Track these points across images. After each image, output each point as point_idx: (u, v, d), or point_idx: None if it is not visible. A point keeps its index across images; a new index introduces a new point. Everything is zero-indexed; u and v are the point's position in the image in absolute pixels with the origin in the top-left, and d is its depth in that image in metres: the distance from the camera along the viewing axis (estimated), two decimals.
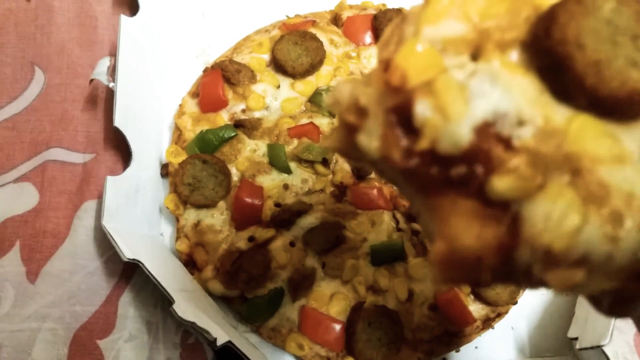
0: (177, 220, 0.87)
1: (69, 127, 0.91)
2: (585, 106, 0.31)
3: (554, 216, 0.29)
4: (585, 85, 0.30)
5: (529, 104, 0.30)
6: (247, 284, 0.80)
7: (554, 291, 0.30)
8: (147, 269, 0.73)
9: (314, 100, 0.91)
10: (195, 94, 0.93)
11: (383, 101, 0.31)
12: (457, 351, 0.86)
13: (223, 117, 0.90)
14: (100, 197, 0.84)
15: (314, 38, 0.92)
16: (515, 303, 0.85)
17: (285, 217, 0.84)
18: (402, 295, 0.82)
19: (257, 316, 0.82)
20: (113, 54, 0.89)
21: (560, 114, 0.31)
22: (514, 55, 0.32)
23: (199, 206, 0.85)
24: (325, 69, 0.93)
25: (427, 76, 0.30)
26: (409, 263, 0.84)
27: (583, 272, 0.30)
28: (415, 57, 0.30)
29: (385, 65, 0.31)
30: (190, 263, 0.86)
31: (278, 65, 0.92)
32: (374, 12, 0.98)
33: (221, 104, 0.90)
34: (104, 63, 0.87)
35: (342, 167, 0.87)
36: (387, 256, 0.84)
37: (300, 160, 0.87)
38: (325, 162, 0.87)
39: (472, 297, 0.84)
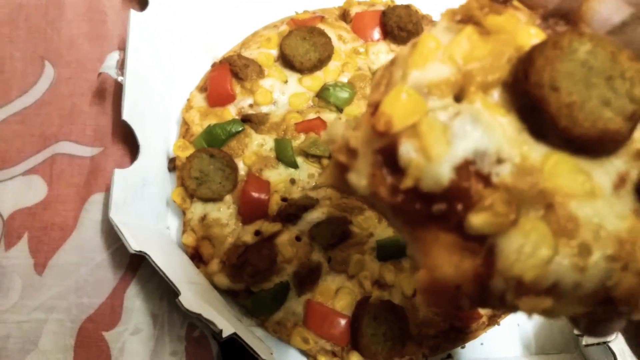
0: (184, 213, 0.87)
1: (77, 120, 0.92)
2: (560, 144, 0.32)
3: (526, 249, 0.30)
4: (559, 126, 0.31)
5: (508, 143, 0.32)
6: (253, 278, 0.80)
7: (526, 315, 0.31)
8: (153, 261, 0.73)
9: (322, 95, 0.91)
10: (203, 88, 0.93)
11: (371, 143, 0.33)
12: (463, 347, 0.86)
13: (230, 112, 0.90)
14: (107, 190, 0.84)
15: (322, 34, 0.92)
16: None
17: (291, 211, 0.84)
18: (408, 290, 0.82)
19: (263, 310, 0.82)
20: (122, 48, 0.90)
21: (537, 151, 0.32)
22: (496, 94, 0.34)
23: (205, 200, 0.85)
24: (333, 65, 0.93)
25: (411, 121, 0.32)
26: None
27: (551, 300, 0.32)
28: (400, 104, 0.32)
29: (374, 109, 0.33)
30: (196, 256, 0.86)
31: (286, 61, 0.92)
32: (382, 8, 0.98)
33: (229, 99, 0.90)
34: (113, 57, 0.88)
35: None
36: (393, 251, 0.84)
37: (307, 155, 0.87)
38: (332, 157, 0.87)
39: None
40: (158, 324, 0.83)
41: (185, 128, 0.91)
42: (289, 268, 0.83)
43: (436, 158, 0.31)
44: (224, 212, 0.85)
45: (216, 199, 0.85)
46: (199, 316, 0.70)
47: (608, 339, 0.71)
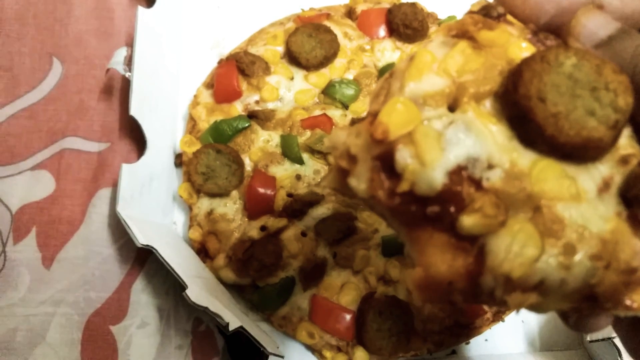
0: (190, 209, 0.88)
1: (85, 116, 0.93)
2: (547, 151, 0.34)
3: (513, 248, 0.33)
4: (546, 135, 0.33)
5: (498, 149, 0.34)
6: (259, 272, 0.81)
7: (515, 310, 0.33)
8: (160, 255, 0.74)
9: (327, 92, 0.91)
10: (209, 84, 0.94)
11: (369, 150, 0.35)
12: (467, 343, 0.86)
13: (237, 108, 0.91)
14: (114, 186, 0.85)
15: (328, 31, 0.93)
16: None
17: (297, 207, 0.84)
18: None
19: (268, 304, 0.83)
20: (129, 45, 0.90)
21: (525, 158, 0.34)
22: (488, 104, 0.36)
23: (212, 195, 0.86)
24: (339, 62, 0.94)
25: (406, 130, 0.34)
26: None
27: (536, 295, 0.34)
28: (396, 114, 0.34)
29: (373, 118, 0.35)
30: (202, 251, 0.86)
31: (292, 57, 0.93)
32: (388, 5, 0.98)
33: (235, 95, 0.91)
34: (121, 53, 0.88)
35: None
36: (398, 247, 0.84)
37: (312, 151, 0.88)
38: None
39: None
40: (164, 318, 0.84)
41: (191, 124, 0.91)
42: (295, 263, 0.83)
43: (430, 164, 0.33)
44: (230, 208, 0.86)
45: (222, 194, 0.86)
46: (205, 309, 0.71)
47: (613, 334, 0.71)
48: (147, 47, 0.88)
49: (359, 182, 0.36)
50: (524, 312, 0.87)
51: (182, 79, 0.97)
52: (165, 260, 0.74)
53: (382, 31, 0.97)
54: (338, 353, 0.82)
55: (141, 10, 0.88)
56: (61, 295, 0.83)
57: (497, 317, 0.85)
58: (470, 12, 0.40)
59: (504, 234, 0.33)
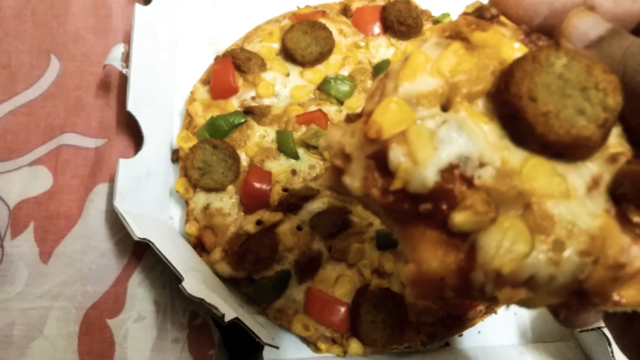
0: (187, 203, 0.88)
1: (82, 113, 0.93)
2: (538, 150, 0.35)
3: (504, 245, 0.33)
4: (536, 133, 0.34)
5: (489, 148, 0.35)
6: (255, 266, 0.82)
7: (505, 306, 0.35)
8: (157, 249, 0.75)
9: (323, 88, 0.92)
10: (206, 81, 0.94)
11: (363, 149, 0.36)
12: (460, 335, 0.87)
13: (233, 104, 0.92)
14: (111, 181, 0.86)
15: (324, 28, 0.94)
16: None
17: (292, 201, 0.85)
18: None
19: (264, 297, 0.84)
20: (126, 42, 0.91)
21: (516, 156, 0.35)
22: (481, 104, 0.36)
23: (208, 190, 0.87)
24: (334, 58, 0.95)
25: (399, 129, 0.35)
26: None
27: (526, 291, 0.34)
28: (389, 114, 0.35)
29: (367, 117, 0.36)
30: (199, 245, 0.87)
31: (288, 54, 0.94)
32: (382, 3, 1.00)
33: (231, 91, 0.92)
34: (119, 49, 0.89)
35: None
36: (392, 240, 0.85)
37: (308, 146, 0.89)
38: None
39: None
40: (161, 312, 0.84)
41: (188, 120, 0.92)
42: (290, 257, 0.84)
43: (422, 162, 0.34)
44: (226, 202, 0.87)
45: (219, 189, 0.87)
46: (201, 301, 0.71)
47: (602, 323, 0.72)
48: (144, 44, 0.89)
49: (353, 181, 0.36)
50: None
51: (179, 76, 0.99)
52: (162, 254, 0.75)
53: (376, 28, 0.99)
54: (333, 345, 0.83)
55: (138, 7, 0.89)
56: (58, 289, 0.83)
57: (490, 309, 0.86)
58: (464, 14, 0.41)
59: (494, 230, 0.33)
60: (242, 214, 0.87)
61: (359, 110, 0.92)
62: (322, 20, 0.96)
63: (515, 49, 0.38)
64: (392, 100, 0.36)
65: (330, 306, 0.82)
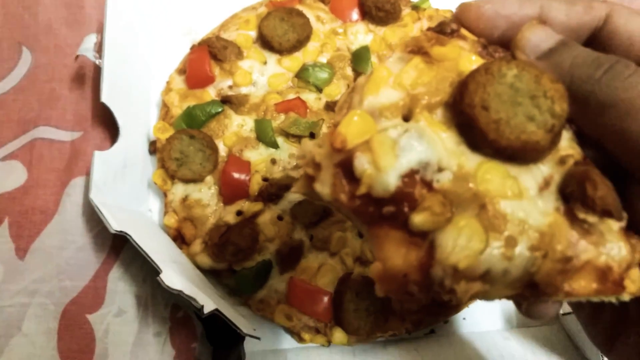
0: (165, 195, 0.87)
1: (57, 105, 0.92)
2: (492, 154, 0.38)
3: (460, 242, 0.36)
4: (488, 139, 0.37)
5: (447, 154, 0.38)
6: (235, 257, 0.81)
7: (461, 298, 0.37)
8: (134, 241, 0.73)
9: (301, 76, 0.91)
10: (182, 70, 0.93)
11: (331, 158, 0.38)
12: (446, 322, 0.87)
13: (210, 93, 0.90)
14: (88, 174, 0.84)
15: (301, 14, 0.93)
16: None
17: (273, 191, 0.84)
18: None
19: (246, 288, 0.83)
20: (100, 33, 0.89)
21: (472, 161, 0.38)
22: (440, 113, 0.39)
23: (186, 181, 0.86)
24: (312, 45, 0.94)
25: (363, 139, 0.37)
26: None
27: (481, 284, 0.37)
28: (352, 126, 0.38)
29: (334, 129, 0.39)
30: (178, 238, 0.86)
31: (265, 42, 0.92)
32: None
33: (208, 80, 0.90)
34: (91, 39, 0.87)
35: None
36: None
37: (287, 135, 0.88)
38: (312, 137, 0.87)
39: None
40: (142, 306, 0.83)
41: (165, 110, 0.91)
42: (271, 247, 0.83)
43: (384, 169, 0.36)
44: (205, 193, 0.85)
45: (197, 179, 0.86)
46: (180, 292, 0.70)
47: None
48: (117, 33, 0.87)
49: (323, 187, 0.39)
50: None
51: (155, 66, 0.97)
52: (139, 246, 0.73)
53: (354, 14, 0.97)
54: (316, 335, 0.82)
55: None
56: (36, 286, 0.82)
57: None
58: (427, 29, 0.44)
59: (450, 229, 0.36)
60: (222, 204, 0.85)
61: (337, 97, 0.91)
62: (299, 7, 0.95)
63: (472, 61, 0.41)
64: (356, 113, 0.38)
65: (313, 296, 0.81)
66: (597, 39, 0.44)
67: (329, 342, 0.82)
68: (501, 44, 0.43)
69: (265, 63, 0.92)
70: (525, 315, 0.48)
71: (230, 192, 0.85)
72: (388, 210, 0.37)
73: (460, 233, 0.36)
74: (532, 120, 0.37)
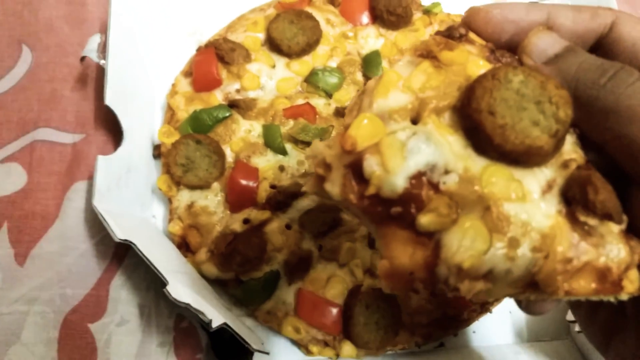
0: (170, 201, 0.85)
1: (58, 106, 0.89)
2: (497, 158, 0.39)
3: (464, 243, 0.37)
4: (494, 143, 0.38)
5: (454, 157, 0.39)
6: (242, 267, 0.79)
7: (465, 295, 0.39)
8: (139, 250, 0.71)
9: (310, 80, 0.89)
10: (188, 73, 0.90)
11: (342, 159, 0.40)
12: (455, 335, 0.86)
13: (217, 97, 0.88)
14: (90, 178, 0.82)
15: (310, 17, 0.90)
16: None
17: (281, 199, 0.82)
18: None
19: (253, 299, 0.81)
20: (103, 32, 0.86)
21: (478, 164, 0.39)
22: (447, 117, 0.40)
23: (192, 187, 0.84)
24: (322, 49, 0.91)
25: (372, 142, 0.39)
26: None
27: (484, 283, 0.38)
28: (362, 129, 0.39)
29: (345, 131, 0.40)
30: (183, 245, 0.84)
31: (273, 45, 0.90)
32: None
33: (215, 84, 0.88)
34: (95, 40, 0.85)
35: None
36: None
37: (296, 141, 0.86)
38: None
39: None
40: (145, 315, 0.81)
41: (170, 114, 0.88)
42: (279, 257, 0.81)
43: (393, 170, 0.38)
44: (211, 200, 0.83)
45: (203, 186, 0.83)
46: (187, 306, 0.68)
47: None
48: (121, 34, 0.84)
49: (333, 187, 0.40)
50: (511, 302, 0.86)
51: (159, 67, 0.94)
52: (144, 256, 0.71)
53: (365, 18, 0.95)
54: (325, 348, 0.80)
55: None
56: (36, 293, 0.80)
57: (485, 308, 0.84)
58: (436, 33, 0.45)
59: (456, 230, 0.37)
60: (228, 212, 0.83)
61: (347, 103, 0.89)
62: (309, 9, 0.92)
63: (480, 66, 0.42)
64: (366, 116, 0.39)
65: (322, 308, 0.80)
66: (603, 46, 0.45)
67: (337, 356, 0.80)
68: (508, 48, 0.44)
69: (273, 66, 0.90)
70: (525, 311, 0.49)
71: (237, 199, 0.83)
72: (396, 211, 0.39)
73: (465, 234, 0.37)
74: (537, 125, 0.38)
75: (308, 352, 0.81)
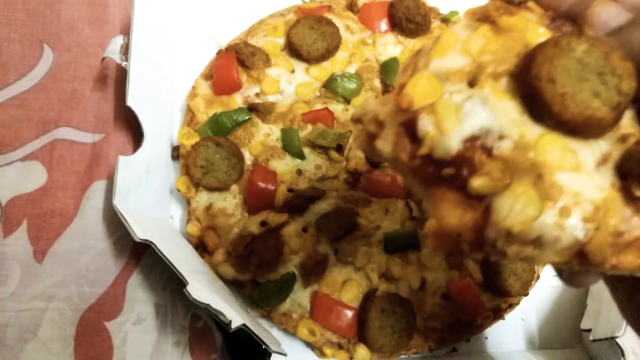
0: (188, 202, 0.86)
1: (78, 106, 0.90)
2: (554, 127, 0.38)
3: (516, 208, 0.37)
4: (552, 112, 0.37)
5: (509, 123, 0.38)
6: (259, 268, 0.80)
7: (511, 259, 0.39)
8: (159, 250, 0.72)
9: (329, 86, 0.90)
10: (208, 76, 0.91)
11: (396, 117, 0.40)
12: (468, 341, 0.86)
13: (237, 100, 0.89)
14: (109, 178, 0.83)
15: (330, 23, 0.91)
16: (526, 294, 0.85)
17: (298, 202, 0.83)
18: (415, 283, 0.82)
19: (269, 301, 0.82)
20: (124, 33, 0.87)
21: (533, 131, 0.38)
22: (504, 82, 0.40)
23: (211, 189, 0.84)
24: (341, 55, 0.92)
25: (428, 101, 0.39)
26: (422, 252, 0.83)
27: (532, 248, 0.38)
28: (420, 87, 0.39)
29: (400, 89, 0.40)
30: (200, 246, 0.85)
31: (293, 50, 0.91)
32: None
33: (235, 87, 0.89)
34: (117, 41, 0.86)
35: (356, 154, 0.86)
36: (400, 244, 0.83)
37: (314, 146, 0.87)
38: (339, 149, 0.86)
39: (483, 287, 0.84)
40: (161, 314, 0.82)
41: (190, 116, 0.89)
42: (296, 259, 0.82)
43: (447, 132, 0.38)
44: (229, 202, 0.84)
45: (222, 188, 0.84)
46: (207, 306, 0.69)
47: (616, 334, 0.71)
48: (143, 36, 0.85)
49: (384, 145, 0.41)
50: (523, 309, 0.87)
51: (179, 70, 0.95)
52: (164, 256, 0.72)
53: (384, 25, 0.96)
54: (339, 350, 0.81)
55: None
56: (54, 290, 0.80)
57: (498, 315, 0.85)
58: None
59: (508, 195, 0.37)
60: (246, 214, 0.84)
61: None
62: (329, 16, 0.93)
63: (539, 34, 0.41)
64: (423, 75, 0.40)
65: (337, 311, 0.80)
66: None
67: (351, 359, 0.81)
68: (568, 17, 0.43)
69: (293, 71, 0.91)
70: (565, 282, 0.48)
71: (255, 202, 0.83)
72: (447, 172, 0.39)
73: (517, 199, 0.37)
74: (598, 97, 0.37)
75: (322, 355, 0.82)
